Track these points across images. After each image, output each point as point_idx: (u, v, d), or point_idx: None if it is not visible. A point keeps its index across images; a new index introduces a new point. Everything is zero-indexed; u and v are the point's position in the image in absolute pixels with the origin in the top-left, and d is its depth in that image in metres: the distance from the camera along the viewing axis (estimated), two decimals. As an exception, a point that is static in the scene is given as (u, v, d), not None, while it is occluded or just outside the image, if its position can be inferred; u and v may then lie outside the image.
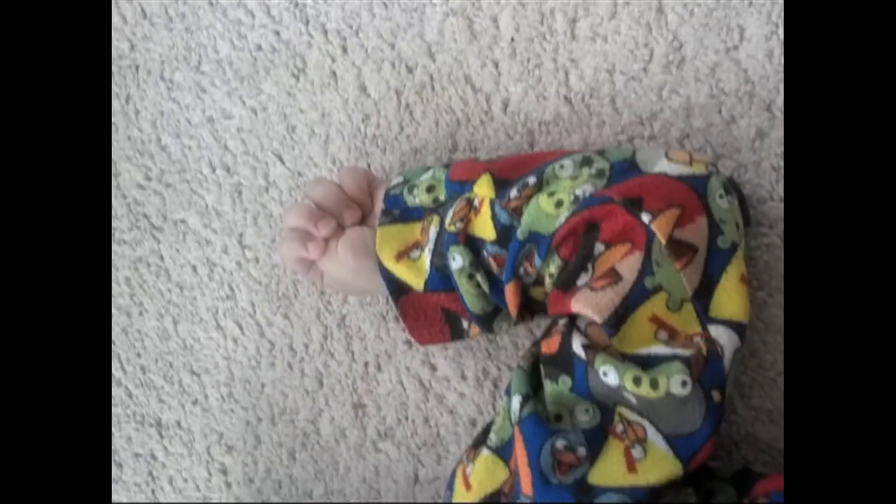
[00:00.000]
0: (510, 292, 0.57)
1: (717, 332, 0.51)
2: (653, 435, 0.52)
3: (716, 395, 0.51)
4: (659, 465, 0.51)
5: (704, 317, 0.52)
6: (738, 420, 0.58)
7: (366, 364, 0.68)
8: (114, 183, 0.76)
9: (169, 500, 0.74)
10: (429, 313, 0.62)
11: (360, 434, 0.68)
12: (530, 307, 0.60)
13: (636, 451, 0.52)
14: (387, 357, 0.67)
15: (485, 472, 0.55)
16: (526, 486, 0.52)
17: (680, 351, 0.51)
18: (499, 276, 0.58)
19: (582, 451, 0.52)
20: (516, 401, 0.54)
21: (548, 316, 0.58)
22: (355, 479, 0.68)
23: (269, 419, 0.71)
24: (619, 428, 0.52)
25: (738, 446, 0.57)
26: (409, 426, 0.66)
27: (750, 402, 0.57)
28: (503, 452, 0.55)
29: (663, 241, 0.51)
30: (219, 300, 0.73)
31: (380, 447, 0.68)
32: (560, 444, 0.52)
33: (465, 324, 0.62)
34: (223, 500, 0.73)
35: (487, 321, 0.60)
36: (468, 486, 0.56)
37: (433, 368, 0.66)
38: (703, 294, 0.52)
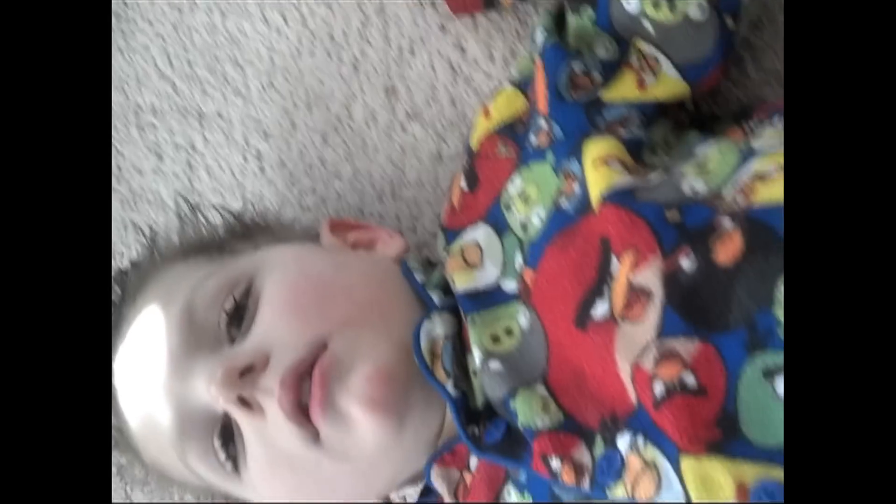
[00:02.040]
0: None
1: None
2: (666, 66, 0.55)
3: (729, 21, 0.54)
4: (668, 85, 0.55)
5: None
6: (748, 83, 0.61)
7: (400, 49, 0.71)
8: None
9: (205, 187, 0.79)
10: (464, -20, 0.65)
11: (390, 116, 0.72)
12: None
13: (647, 77, 0.55)
14: (421, 42, 0.71)
15: (504, 103, 0.59)
16: (542, 104, 0.56)
17: None
18: None
19: (597, 75, 0.55)
20: (539, 32, 0.58)
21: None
22: (382, 160, 0.72)
23: (306, 106, 0.75)
24: (634, 59, 0.56)
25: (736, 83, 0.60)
26: (437, 107, 0.70)
27: (762, 65, 0.60)
28: (523, 86, 0.59)
29: None
30: (266, -6, 0.76)
31: (407, 128, 0.71)
32: (577, 66, 0.55)
33: (499, -9, 0.65)
34: (256, 184, 0.77)
35: None
36: (487, 114, 0.59)
37: (463, 50, 0.69)
38: None
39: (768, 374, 0.41)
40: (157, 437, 0.57)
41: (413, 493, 0.61)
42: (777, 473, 0.41)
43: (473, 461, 0.55)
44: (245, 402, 0.52)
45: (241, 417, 0.53)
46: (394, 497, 0.61)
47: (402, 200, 0.72)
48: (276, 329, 0.54)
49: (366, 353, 0.53)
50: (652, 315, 0.45)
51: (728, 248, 0.43)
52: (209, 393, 0.52)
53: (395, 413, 0.52)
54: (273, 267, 0.57)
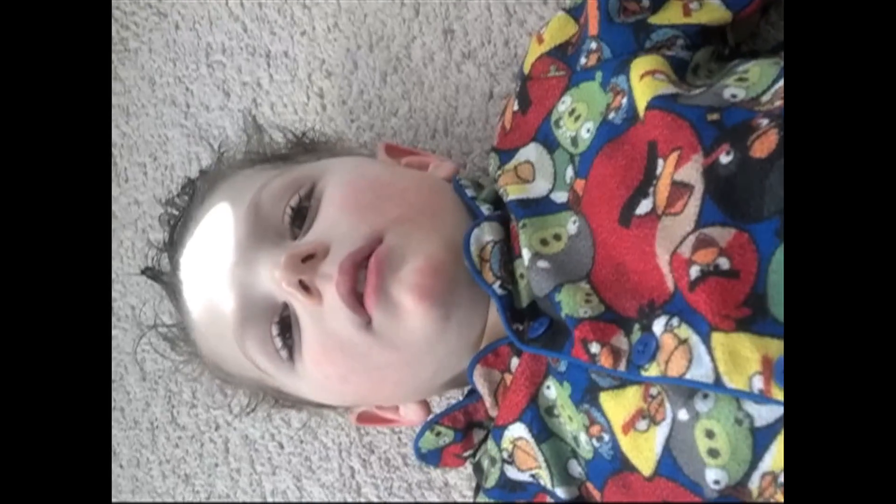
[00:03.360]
0: None
1: None
2: None
3: None
4: (711, 12, 0.58)
5: None
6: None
7: (460, -10, 0.76)
8: None
9: (269, 123, 0.84)
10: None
11: (447, 57, 0.76)
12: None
13: (693, 4, 0.59)
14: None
15: (557, 27, 0.63)
16: (593, 27, 0.59)
17: None
18: None
19: (646, 2, 0.59)
20: None
21: None
22: (437, 98, 0.77)
23: (368, 46, 0.80)
24: None
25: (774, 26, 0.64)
26: (491, 48, 0.75)
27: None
28: (575, 13, 0.63)
29: None
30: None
31: (462, 68, 0.76)
32: None
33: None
34: (318, 122, 0.82)
35: None
36: (541, 40, 0.64)
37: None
38: None
39: None
40: (219, 326, 0.62)
41: (456, 396, 0.65)
42: None
43: (514, 362, 0.58)
44: (304, 287, 0.56)
45: (299, 301, 0.57)
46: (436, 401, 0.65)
47: (453, 137, 0.76)
48: (335, 224, 0.58)
49: (418, 247, 0.57)
50: (692, 207, 0.48)
51: (764, 144, 0.47)
52: (272, 277, 0.57)
53: (442, 304, 0.57)
54: (335, 171, 0.61)
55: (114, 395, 0.92)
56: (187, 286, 0.64)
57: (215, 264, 0.61)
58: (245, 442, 0.85)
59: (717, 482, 0.47)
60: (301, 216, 0.60)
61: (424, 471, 0.76)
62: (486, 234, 0.59)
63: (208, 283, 0.62)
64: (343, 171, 0.62)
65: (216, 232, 0.62)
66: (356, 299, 0.56)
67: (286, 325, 0.59)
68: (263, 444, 0.84)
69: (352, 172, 0.62)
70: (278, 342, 0.60)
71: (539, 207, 0.58)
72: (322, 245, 0.57)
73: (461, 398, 0.65)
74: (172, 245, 0.69)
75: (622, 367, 0.50)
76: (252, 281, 0.59)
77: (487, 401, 0.60)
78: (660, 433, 0.49)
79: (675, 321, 0.48)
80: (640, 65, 0.55)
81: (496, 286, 0.57)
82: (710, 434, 0.46)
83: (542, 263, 0.55)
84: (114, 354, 0.92)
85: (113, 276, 0.93)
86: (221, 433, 0.86)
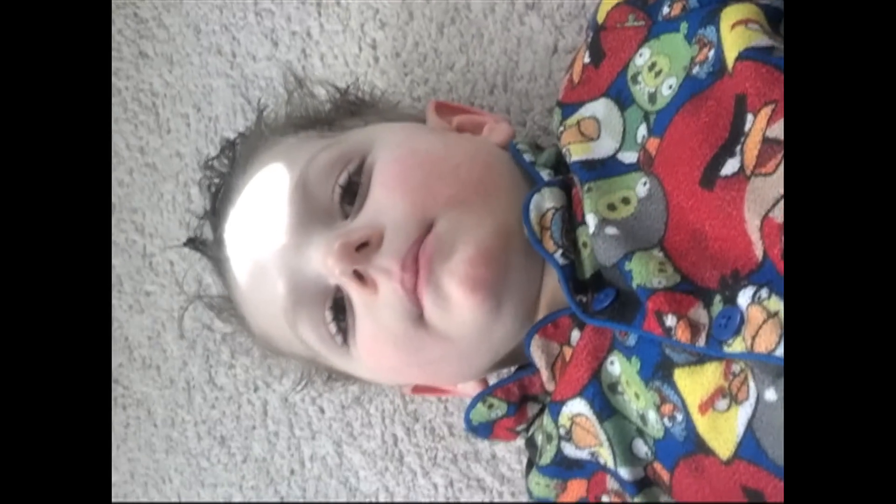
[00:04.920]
0: None
1: None
2: None
3: None
4: None
5: None
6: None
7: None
8: None
9: (318, 74, 0.80)
10: None
11: (509, 7, 0.72)
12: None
13: None
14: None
15: None
16: None
17: None
18: None
19: None
20: None
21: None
22: (497, 51, 0.73)
23: (425, -5, 0.75)
24: None
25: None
26: (557, -1, 0.70)
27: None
28: None
29: None
30: None
31: (525, 20, 0.71)
32: None
33: None
34: (369, 74, 0.78)
35: None
36: None
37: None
38: None
39: None
40: (268, 306, 0.59)
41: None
42: None
43: (575, 336, 0.55)
44: (359, 276, 0.53)
45: (353, 291, 0.54)
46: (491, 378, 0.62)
47: (513, 93, 0.72)
48: (387, 207, 0.55)
49: (469, 233, 0.54)
50: None
51: (871, 100, 0.42)
52: (325, 265, 0.54)
53: (493, 295, 0.53)
54: (384, 144, 0.58)
55: (150, 352, 0.89)
56: (233, 263, 0.61)
57: (262, 244, 0.58)
58: (284, 405, 0.82)
59: None
60: (351, 192, 0.57)
61: (471, 441, 0.73)
62: (547, 200, 0.55)
63: (256, 262, 0.59)
64: (392, 144, 0.58)
65: (261, 208, 0.59)
66: (416, 294, 0.53)
67: (340, 308, 0.57)
68: (304, 408, 0.81)
69: (401, 146, 0.58)
70: (332, 328, 0.57)
71: (605, 169, 0.54)
72: (376, 232, 0.54)
73: (513, 370, 0.62)
74: (215, 215, 0.66)
75: (701, 341, 0.46)
76: (303, 265, 0.56)
77: (544, 374, 0.56)
78: (742, 414, 0.45)
79: (763, 292, 0.44)
80: (731, 14, 0.50)
81: (558, 255, 0.53)
82: None
83: (611, 230, 0.51)
84: (151, 311, 0.89)
85: (153, 230, 0.90)
86: (260, 395, 0.83)
